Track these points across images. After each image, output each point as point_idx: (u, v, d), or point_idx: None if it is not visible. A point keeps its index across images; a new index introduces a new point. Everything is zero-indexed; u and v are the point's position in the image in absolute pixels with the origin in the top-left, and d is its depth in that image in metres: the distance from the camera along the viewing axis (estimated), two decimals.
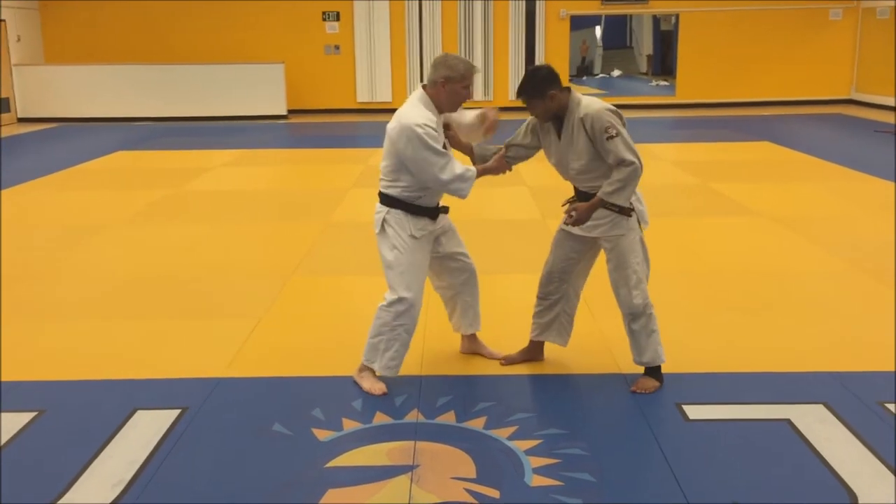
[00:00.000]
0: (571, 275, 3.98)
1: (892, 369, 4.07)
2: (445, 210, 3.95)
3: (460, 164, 3.76)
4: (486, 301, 4.29)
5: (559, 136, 3.74)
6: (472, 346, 4.31)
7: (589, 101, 3.67)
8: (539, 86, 3.65)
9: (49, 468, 3.27)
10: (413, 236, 3.81)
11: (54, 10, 17.33)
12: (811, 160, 10.66)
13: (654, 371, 3.86)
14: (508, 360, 4.21)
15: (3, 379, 4.12)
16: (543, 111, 3.70)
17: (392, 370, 3.95)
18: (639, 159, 3.58)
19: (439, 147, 3.68)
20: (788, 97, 17.66)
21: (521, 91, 3.70)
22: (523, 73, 18.19)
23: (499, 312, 4.79)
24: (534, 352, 4.21)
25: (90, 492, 3.09)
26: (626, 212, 3.69)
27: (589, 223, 3.73)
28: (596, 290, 3.97)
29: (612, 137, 3.55)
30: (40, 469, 3.27)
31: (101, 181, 10.04)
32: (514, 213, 7.74)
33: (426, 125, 3.66)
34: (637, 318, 3.78)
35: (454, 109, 3.82)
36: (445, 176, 3.68)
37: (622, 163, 3.56)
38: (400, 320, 3.85)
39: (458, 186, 3.73)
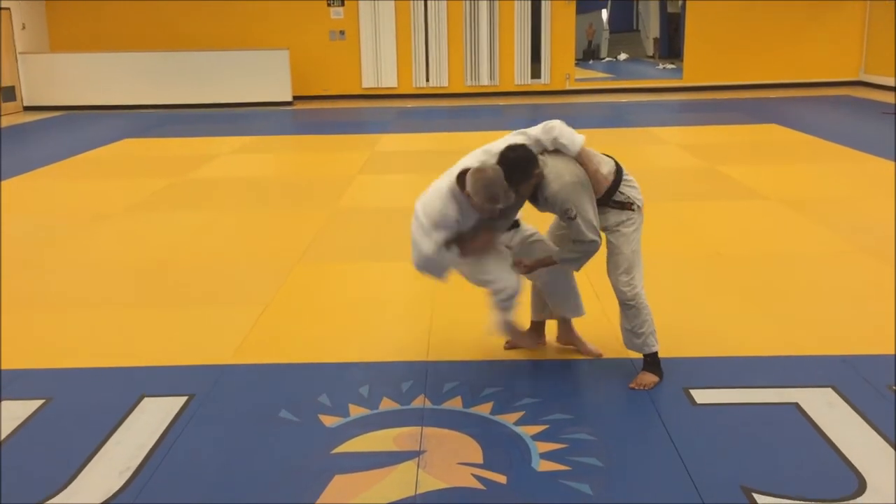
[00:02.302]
0: None
1: None
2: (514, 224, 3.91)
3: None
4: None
5: (537, 204, 3.71)
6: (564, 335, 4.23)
7: (551, 180, 3.56)
8: (527, 169, 3.53)
9: (57, 455, 3.28)
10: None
11: None
12: (819, 142, 10.59)
13: (652, 366, 3.82)
14: (511, 345, 4.21)
15: (10, 367, 4.14)
16: (529, 189, 3.62)
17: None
18: (598, 235, 3.59)
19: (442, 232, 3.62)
20: (796, 79, 17.52)
21: (513, 178, 3.49)
22: (529, 57, 17.35)
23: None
24: (536, 333, 4.21)
25: (98, 478, 3.10)
26: (628, 206, 3.70)
27: None
28: (603, 276, 3.94)
29: (571, 219, 3.56)
30: (48, 456, 3.29)
31: (107, 169, 10.04)
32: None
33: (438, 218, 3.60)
34: (627, 308, 3.75)
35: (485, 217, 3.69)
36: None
37: (582, 242, 3.59)
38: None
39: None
